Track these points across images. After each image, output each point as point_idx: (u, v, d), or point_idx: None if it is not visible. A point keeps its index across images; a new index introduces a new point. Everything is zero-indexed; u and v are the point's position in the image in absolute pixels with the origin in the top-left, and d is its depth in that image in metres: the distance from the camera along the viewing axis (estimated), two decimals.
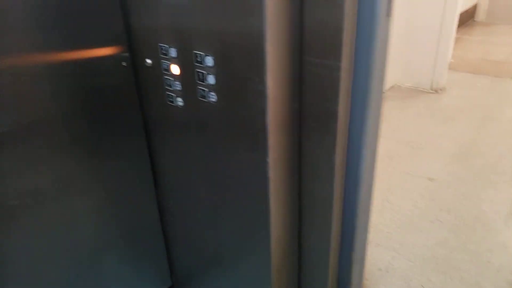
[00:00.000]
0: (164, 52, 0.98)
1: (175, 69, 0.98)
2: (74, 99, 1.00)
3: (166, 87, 1.03)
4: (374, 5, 0.56)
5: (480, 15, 5.93)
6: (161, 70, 1.02)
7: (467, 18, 5.70)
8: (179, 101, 1.03)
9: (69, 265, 1.13)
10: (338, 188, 0.80)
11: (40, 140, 0.96)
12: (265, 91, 0.82)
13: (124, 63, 1.07)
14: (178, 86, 1.00)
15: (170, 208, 1.31)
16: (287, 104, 0.88)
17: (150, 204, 1.30)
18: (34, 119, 0.94)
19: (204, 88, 0.94)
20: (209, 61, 0.89)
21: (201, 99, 0.96)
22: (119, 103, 1.10)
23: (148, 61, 1.04)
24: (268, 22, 0.75)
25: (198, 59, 0.91)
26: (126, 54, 1.07)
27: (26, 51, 0.89)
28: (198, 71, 0.92)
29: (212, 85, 0.92)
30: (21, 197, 0.96)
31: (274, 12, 0.75)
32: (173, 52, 0.96)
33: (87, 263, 1.17)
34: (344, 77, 0.66)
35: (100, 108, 1.07)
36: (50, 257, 1.07)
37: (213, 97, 0.93)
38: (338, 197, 0.81)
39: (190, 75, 0.95)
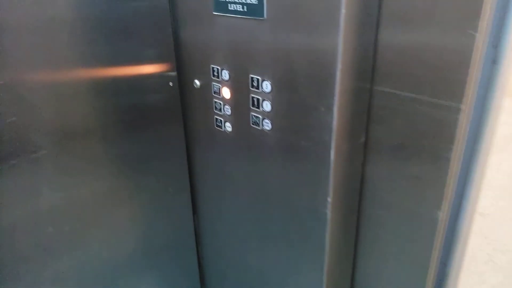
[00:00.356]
0: (216, 74, 0.91)
1: (226, 93, 0.91)
2: (116, 117, 0.94)
3: (215, 110, 0.96)
4: (503, 34, 0.46)
5: None
6: (210, 93, 0.95)
7: None
8: (228, 126, 0.95)
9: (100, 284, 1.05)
10: (437, 248, 0.69)
11: (79, 159, 0.90)
12: (332, 122, 0.73)
13: (170, 83, 1.00)
14: (228, 110, 0.92)
15: (208, 234, 1.22)
16: (353, 138, 0.79)
17: (186, 226, 1.21)
18: (74, 138, 0.88)
19: (257, 115, 0.85)
20: (266, 86, 0.81)
21: (254, 126, 0.87)
22: (162, 123, 1.03)
23: (197, 82, 0.97)
24: (343, 45, 0.66)
25: (254, 84, 0.83)
26: (174, 74, 1.01)
27: (71, 66, 0.84)
28: (253, 97, 0.84)
29: (268, 112, 0.83)
30: (60, 221, 0.90)
31: (349, 35, 0.66)
32: (225, 75, 0.88)
33: (120, 281, 1.10)
34: (462, 120, 0.56)
35: (142, 127, 1.00)
36: (86, 276, 1.00)
37: (267, 125, 0.85)
38: (436, 257, 0.70)
39: (243, 100, 0.87)
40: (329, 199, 0.80)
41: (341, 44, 0.66)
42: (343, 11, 0.64)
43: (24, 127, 0.78)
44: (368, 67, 0.75)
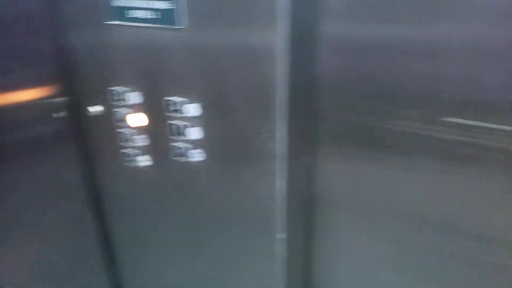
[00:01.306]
0: (116, 97, 0.70)
1: (133, 120, 0.71)
2: None
3: (121, 143, 0.75)
4: None
5: None
6: (113, 121, 0.74)
7: None
8: (140, 160, 0.75)
9: None
10: None
11: None
12: (274, 149, 0.60)
13: (55, 115, 0.76)
14: (138, 141, 0.73)
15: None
16: (302, 161, 0.67)
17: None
18: None
19: (179, 145, 0.68)
20: (193, 109, 0.64)
21: (176, 158, 0.70)
22: (54, 162, 0.79)
23: (90, 109, 0.75)
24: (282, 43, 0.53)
25: (171, 108, 0.65)
26: (62, 99, 0.77)
27: None
28: (172, 124, 0.66)
29: (196, 140, 0.67)
30: None
31: (286, 31, 0.53)
32: (132, 98, 0.69)
33: None
34: None
35: (28, 168, 0.76)
36: None
37: (196, 155, 0.68)
38: None
39: (159, 128, 0.69)
40: (283, 236, 0.68)
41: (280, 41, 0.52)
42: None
43: None
44: (314, 71, 0.62)
